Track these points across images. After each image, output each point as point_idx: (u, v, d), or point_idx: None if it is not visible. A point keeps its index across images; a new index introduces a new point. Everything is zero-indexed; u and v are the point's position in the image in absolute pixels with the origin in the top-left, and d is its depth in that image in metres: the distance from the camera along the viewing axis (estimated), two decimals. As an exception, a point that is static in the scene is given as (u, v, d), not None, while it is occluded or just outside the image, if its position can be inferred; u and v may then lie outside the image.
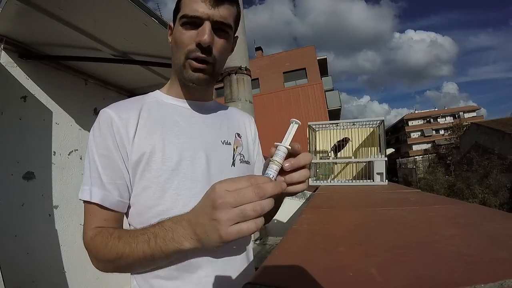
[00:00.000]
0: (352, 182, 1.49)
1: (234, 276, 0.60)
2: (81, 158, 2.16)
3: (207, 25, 0.54)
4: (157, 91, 0.67)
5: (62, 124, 2.04)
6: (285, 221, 3.02)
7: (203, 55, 0.56)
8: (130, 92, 2.73)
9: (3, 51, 1.66)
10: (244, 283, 0.27)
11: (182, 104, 0.64)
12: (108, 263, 0.52)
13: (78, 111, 2.17)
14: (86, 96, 2.27)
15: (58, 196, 1.92)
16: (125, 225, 0.61)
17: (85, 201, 0.56)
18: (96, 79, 2.36)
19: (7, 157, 1.67)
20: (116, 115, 0.57)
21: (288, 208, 2.93)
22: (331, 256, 0.32)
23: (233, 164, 0.65)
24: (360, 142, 1.55)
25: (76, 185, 2.09)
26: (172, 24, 0.61)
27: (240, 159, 0.67)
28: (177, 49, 0.58)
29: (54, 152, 1.95)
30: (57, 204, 1.91)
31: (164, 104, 0.63)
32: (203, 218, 0.41)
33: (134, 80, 2.50)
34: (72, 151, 2.10)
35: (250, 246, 0.69)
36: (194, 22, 0.55)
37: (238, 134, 0.70)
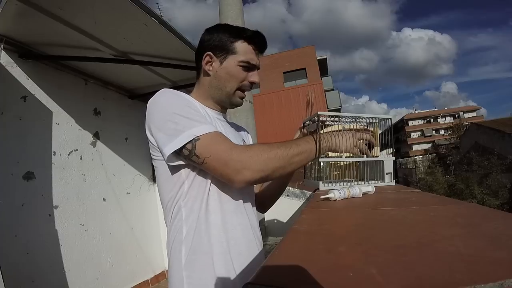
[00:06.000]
0: (356, 183, 1.48)
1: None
2: (81, 158, 2.16)
3: (257, 71, 0.78)
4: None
5: (62, 124, 2.04)
6: (285, 221, 3.02)
7: (249, 90, 0.79)
8: (130, 92, 2.72)
9: (3, 51, 1.66)
10: (244, 283, 0.27)
11: (215, 114, 0.78)
12: (266, 162, 0.62)
13: (78, 111, 2.17)
14: (86, 96, 2.27)
15: (58, 196, 1.92)
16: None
17: (202, 136, 0.61)
18: (96, 79, 2.36)
19: (7, 157, 1.67)
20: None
21: (288, 208, 2.93)
22: (331, 256, 0.32)
23: None
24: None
25: (76, 185, 2.09)
26: (212, 54, 0.74)
27: None
28: (231, 80, 0.75)
29: (54, 152, 1.95)
30: (57, 204, 1.91)
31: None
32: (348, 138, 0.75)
33: (134, 80, 2.50)
34: (72, 151, 2.10)
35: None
36: (248, 67, 0.74)
37: (243, 140, 0.89)
